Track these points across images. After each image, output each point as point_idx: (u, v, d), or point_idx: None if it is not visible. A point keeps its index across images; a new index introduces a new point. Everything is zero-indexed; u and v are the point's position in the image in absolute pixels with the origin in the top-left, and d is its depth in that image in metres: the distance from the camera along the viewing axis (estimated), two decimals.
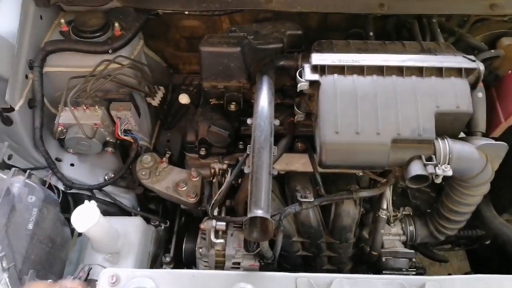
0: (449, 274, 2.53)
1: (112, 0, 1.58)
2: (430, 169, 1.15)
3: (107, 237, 1.43)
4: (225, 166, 1.53)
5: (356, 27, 1.74)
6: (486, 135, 1.42)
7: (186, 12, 1.63)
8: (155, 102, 1.76)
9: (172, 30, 1.99)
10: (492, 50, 1.55)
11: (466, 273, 2.26)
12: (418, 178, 1.17)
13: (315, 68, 1.26)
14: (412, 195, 1.68)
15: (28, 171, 1.36)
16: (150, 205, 1.83)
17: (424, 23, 1.67)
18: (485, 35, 1.78)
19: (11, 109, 1.47)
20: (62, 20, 1.62)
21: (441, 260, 1.82)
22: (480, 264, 2.32)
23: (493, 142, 1.23)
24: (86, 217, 1.29)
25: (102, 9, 1.64)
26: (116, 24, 1.62)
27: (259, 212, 1.11)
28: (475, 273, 2.26)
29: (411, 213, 1.57)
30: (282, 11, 1.49)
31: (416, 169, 1.16)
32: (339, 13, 1.61)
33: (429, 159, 1.17)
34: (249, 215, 1.12)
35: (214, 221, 1.44)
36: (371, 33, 1.65)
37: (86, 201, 1.32)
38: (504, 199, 1.52)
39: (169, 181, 1.56)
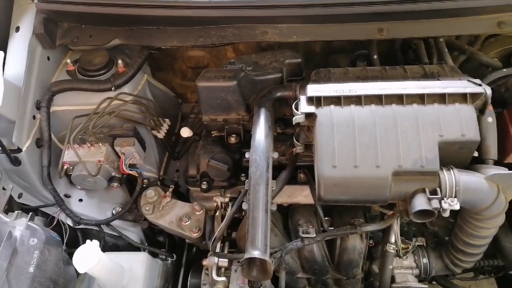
0: None
1: (114, 39, 1.61)
2: (435, 203, 1.08)
3: (111, 274, 1.43)
4: (227, 200, 1.51)
5: (361, 49, 1.70)
6: (500, 161, 1.34)
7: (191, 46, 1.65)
8: (161, 134, 1.78)
9: (178, 61, 2.02)
10: (504, 69, 1.47)
11: None
12: (423, 213, 1.10)
13: (311, 100, 1.23)
14: (430, 222, 1.59)
15: (30, 213, 1.38)
16: (158, 237, 1.83)
17: (431, 43, 1.62)
18: (499, 51, 1.70)
19: (19, 150, 1.51)
20: (68, 60, 1.67)
21: None
22: None
23: (504, 171, 1.14)
24: (87, 257, 1.29)
25: (106, 47, 1.68)
26: (120, 61, 1.65)
27: (256, 253, 1.08)
28: None
29: (425, 244, 1.49)
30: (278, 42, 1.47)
31: (419, 203, 1.09)
32: None
33: (434, 192, 1.11)
34: (246, 256, 1.09)
35: (216, 258, 1.41)
36: (375, 56, 1.61)
37: (88, 241, 1.33)
38: None
39: (172, 215, 1.56)
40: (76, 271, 1.45)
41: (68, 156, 1.56)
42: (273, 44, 1.74)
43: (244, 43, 1.84)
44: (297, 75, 1.55)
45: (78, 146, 1.57)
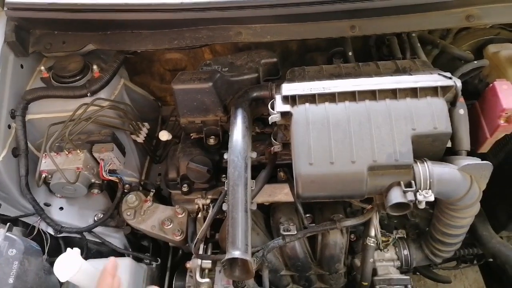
0: None
1: (88, 44, 1.60)
2: (410, 196, 1.10)
3: (93, 282, 1.41)
4: (208, 201, 1.51)
5: (336, 47, 1.72)
6: (473, 151, 1.37)
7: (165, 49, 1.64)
8: (140, 139, 1.77)
9: (155, 65, 2.01)
10: (475, 61, 1.50)
11: None
12: (399, 206, 1.12)
13: (286, 99, 1.24)
14: (411, 213, 1.62)
15: (8, 224, 1.37)
16: (142, 242, 1.82)
17: (403, 38, 1.64)
18: (470, 44, 1.73)
19: None
20: (42, 67, 1.65)
21: (443, 281, 1.73)
22: (495, 275, 2.21)
23: (476, 162, 1.17)
24: (68, 265, 1.28)
25: (81, 52, 1.66)
26: (95, 66, 1.64)
27: (236, 253, 1.09)
28: (490, 286, 2.17)
29: (405, 236, 1.52)
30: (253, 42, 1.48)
31: (395, 196, 1.11)
32: None
33: (409, 184, 1.13)
34: (226, 256, 1.09)
35: (200, 260, 1.42)
36: (350, 53, 1.63)
37: (68, 249, 1.31)
38: (501, 217, 1.45)
39: (154, 220, 1.55)
40: (59, 280, 1.45)
41: (46, 164, 1.54)
42: (249, 44, 1.74)
43: (221, 45, 1.84)
44: (274, 75, 1.56)
45: (55, 154, 1.55)
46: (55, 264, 1.29)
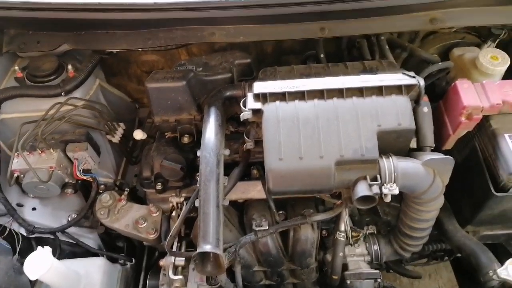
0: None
1: (63, 44, 1.60)
2: (375, 189, 1.14)
3: (65, 281, 1.41)
4: (182, 199, 1.52)
5: (310, 49, 1.77)
6: (439, 148, 1.43)
7: (140, 49, 1.66)
8: (115, 139, 1.77)
9: (132, 66, 2.02)
10: (440, 63, 1.57)
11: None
12: (365, 199, 1.16)
13: (258, 97, 1.27)
14: (383, 211, 1.66)
15: None
16: (117, 242, 1.81)
17: (373, 41, 1.70)
18: (437, 47, 1.80)
19: None
20: (16, 67, 1.65)
21: (414, 277, 1.78)
22: (467, 274, 2.27)
23: (439, 156, 1.22)
24: (38, 263, 1.27)
25: (56, 52, 1.66)
26: (69, 66, 1.64)
27: (207, 247, 1.10)
28: (463, 284, 2.23)
29: (376, 232, 1.55)
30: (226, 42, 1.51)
31: (361, 190, 1.15)
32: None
33: (374, 179, 1.17)
34: (198, 250, 1.11)
35: (173, 257, 1.42)
36: (322, 55, 1.67)
37: (39, 247, 1.31)
38: (466, 212, 1.50)
39: (128, 219, 1.55)
40: (30, 280, 1.43)
41: (18, 163, 1.53)
42: (225, 45, 1.78)
43: (197, 46, 1.86)
44: (248, 75, 1.59)
45: (28, 153, 1.55)
46: (25, 262, 1.28)
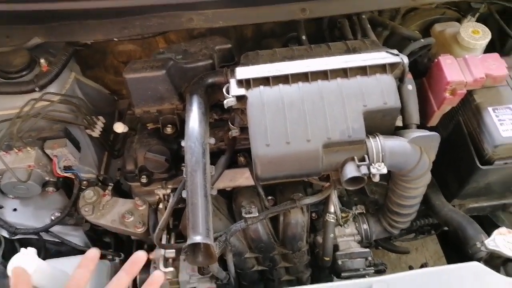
0: (425, 261, 2.55)
1: (34, 37, 1.53)
2: (364, 169, 1.14)
3: (53, 281, 1.36)
4: (169, 191, 1.49)
5: (291, 31, 1.73)
6: (424, 125, 1.43)
7: (115, 39, 1.60)
8: (95, 133, 1.72)
9: (108, 57, 1.95)
10: (422, 40, 1.56)
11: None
12: (354, 180, 1.16)
13: (241, 83, 1.24)
14: (370, 190, 1.67)
15: None
16: (104, 238, 1.77)
17: (354, 20, 1.68)
18: (418, 24, 1.80)
19: None
20: None
21: (402, 252, 1.81)
22: (453, 246, 2.33)
23: (424, 134, 1.22)
24: (22, 266, 1.23)
25: (27, 46, 1.59)
26: (42, 60, 1.57)
27: (198, 238, 1.09)
28: (450, 256, 2.28)
29: (364, 211, 1.56)
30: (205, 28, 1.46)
31: (349, 171, 1.15)
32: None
33: (362, 159, 1.16)
34: (188, 242, 1.09)
35: (163, 250, 1.40)
36: (304, 37, 1.65)
37: (22, 249, 1.26)
38: (452, 186, 1.52)
39: (114, 214, 1.51)
40: None
41: None
42: (204, 31, 1.73)
43: (175, 34, 1.81)
44: (229, 61, 1.55)
45: (4, 153, 1.48)
46: (8, 265, 1.23)
